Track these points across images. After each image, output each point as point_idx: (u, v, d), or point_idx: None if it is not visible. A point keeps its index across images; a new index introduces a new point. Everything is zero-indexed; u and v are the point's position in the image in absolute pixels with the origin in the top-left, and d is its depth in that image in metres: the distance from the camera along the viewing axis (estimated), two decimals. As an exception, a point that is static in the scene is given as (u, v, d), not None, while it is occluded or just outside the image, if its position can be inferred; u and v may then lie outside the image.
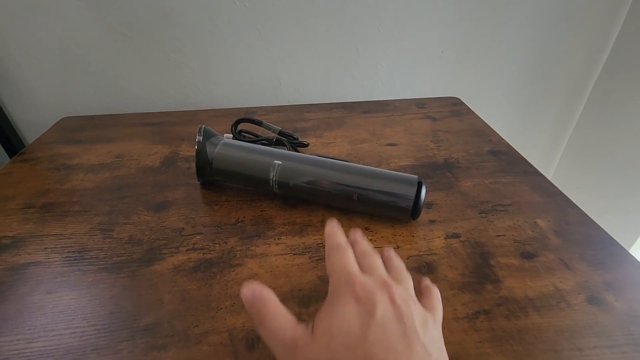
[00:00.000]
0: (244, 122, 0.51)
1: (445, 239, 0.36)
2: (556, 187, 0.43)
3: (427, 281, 0.26)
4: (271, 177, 0.37)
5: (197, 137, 0.39)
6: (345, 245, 0.24)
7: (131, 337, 0.27)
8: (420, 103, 0.65)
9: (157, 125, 0.58)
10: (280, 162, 0.37)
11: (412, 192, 0.35)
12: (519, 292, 0.30)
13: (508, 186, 0.43)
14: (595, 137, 0.74)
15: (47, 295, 0.30)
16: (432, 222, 0.38)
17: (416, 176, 0.36)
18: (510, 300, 0.30)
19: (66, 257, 0.34)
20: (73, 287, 0.31)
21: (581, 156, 0.78)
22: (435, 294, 0.25)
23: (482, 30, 0.65)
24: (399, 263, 0.26)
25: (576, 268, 0.32)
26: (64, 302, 0.29)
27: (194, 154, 0.39)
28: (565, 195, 0.41)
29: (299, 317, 0.28)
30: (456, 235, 0.36)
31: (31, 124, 0.65)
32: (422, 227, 0.37)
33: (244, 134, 0.50)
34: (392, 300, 0.20)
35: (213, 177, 0.41)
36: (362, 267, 0.23)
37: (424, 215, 0.38)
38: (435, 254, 0.34)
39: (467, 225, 0.37)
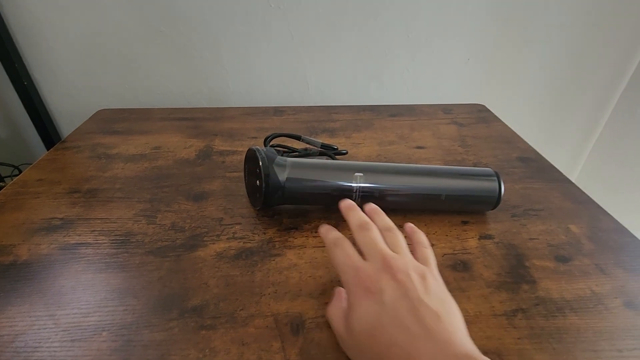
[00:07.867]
0: (280, 137, 0.49)
1: (478, 239, 0.36)
2: (587, 195, 0.43)
3: (409, 228, 0.29)
4: (355, 191, 0.36)
5: (260, 159, 0.34)
6: (341, 239, 0.26)
7: (181, 316, 0.28)
8: (447, 109, 0.65)
9: (189, 120, 0.60)
10: (361, 174, 0.36)
11: (495, 185, 0.37)
12: (556, 293, 0.31)
13: (538, 192, 0.43)
14: (619, 147, 0.74)
15: (98, 274, 0.31)
16: (464, 222, 0.38)
17: (490, 168, 0.38)
18: (547, 300, 0.30)
19: (113, 239, 0.35)
20: (122, 268, 0.32)
21: (603, 166, 0.78)
22: (422, 241, 0.28)
23: (509, 40, 0.66)
24: (386, 221, 0.28)
25: (612, 273, 0.33)
26: (114, 282, 0.31)
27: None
28: (596, 203, 0.42)
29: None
30: (489, 237, 0.37)
31: (66, 114, 0.68)
32: (455, 228, 0.38)
33: (276, 148, 0.50)
34: (395, 279, 0.23)
35: (283, 202, 0.37)
36: (361, 243, 0.26)
37: (455, 217, 0.39)
38: (469, 253, 0.35)
39: (500, 227, 0.38)
